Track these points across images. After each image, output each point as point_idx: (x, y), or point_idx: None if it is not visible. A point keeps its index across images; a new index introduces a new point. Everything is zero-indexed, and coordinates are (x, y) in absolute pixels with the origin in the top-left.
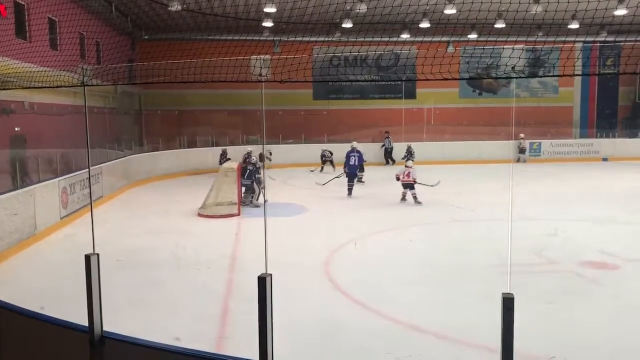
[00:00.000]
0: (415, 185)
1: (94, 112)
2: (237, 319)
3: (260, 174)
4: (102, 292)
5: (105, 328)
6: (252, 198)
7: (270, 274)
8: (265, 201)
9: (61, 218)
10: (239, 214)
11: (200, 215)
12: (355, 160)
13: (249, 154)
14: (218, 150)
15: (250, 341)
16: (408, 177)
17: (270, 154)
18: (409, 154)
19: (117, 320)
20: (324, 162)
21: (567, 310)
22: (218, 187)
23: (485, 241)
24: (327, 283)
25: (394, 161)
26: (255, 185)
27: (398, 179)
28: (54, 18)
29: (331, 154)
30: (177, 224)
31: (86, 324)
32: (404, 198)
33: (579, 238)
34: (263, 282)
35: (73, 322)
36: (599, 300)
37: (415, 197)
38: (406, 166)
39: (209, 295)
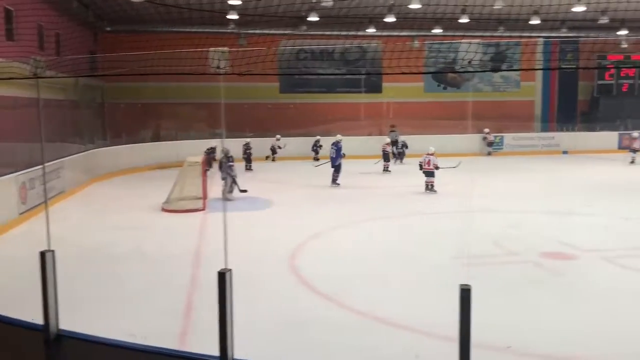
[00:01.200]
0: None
1: (54, 105)
2: (201, 315)
3: (233, 166)
4: (61, 289)
5: (63, 326)
6: (225, 191)
7: (230, 269)
8: (244, 191)
9: (20, 214)
10: (204, 209)
11: (164, 210)
12: (332, 153)
13: (212, 149)
14: (183, 144)
15: (214, 337)
16: (429, 165)
17: (279, 145)
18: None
19: (75, 318)
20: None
21: (526, 300)
22: (182, 181)
23: (447, 233)
24: (292, 277)
25: (402, 156)
26: (228, 179)
27: (421, 167)
28: (10, 8)
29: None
30: (140, 219)
31: (41, 322)
32: (427, 187)
33: (539, 229)
34: (223, 278)
35: (28, 320)
36: (558, 289)
37: (432, 186)
38: (427, 154)
39: (173, 291)
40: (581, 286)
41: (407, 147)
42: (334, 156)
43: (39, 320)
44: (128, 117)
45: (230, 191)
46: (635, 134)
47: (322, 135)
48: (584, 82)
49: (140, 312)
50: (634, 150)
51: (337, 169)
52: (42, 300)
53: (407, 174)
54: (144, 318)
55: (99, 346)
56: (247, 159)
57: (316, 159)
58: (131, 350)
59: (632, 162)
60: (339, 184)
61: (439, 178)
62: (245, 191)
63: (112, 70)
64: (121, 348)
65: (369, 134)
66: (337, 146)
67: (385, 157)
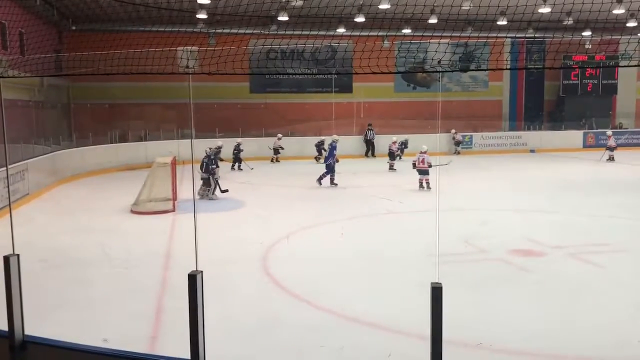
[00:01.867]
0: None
1: (19, 106)
2: (172, 318)
3: (216, 166)
4: (27, 294)
5: (28, 332)
6: (209, 192)
7: (201, 271)
8: (225, 190)
9: None
10: (174, 210)
11: (133, 212)
12: (326, 153)
13: (217, 150)
14: (151, 144)
15: (184, 339)
16: (423, 163)
17: (281, 145)
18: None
19: (41, 324)
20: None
21: (496, 296)
22: (151, 182)
23: (416, 232)
24: (263, 278)
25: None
26: (211, 179)
27: (414, 166)
28: None
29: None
30: (107, 221)
31: (6, 328)
32: (421, 185)
33: (508, 227)
34: (193, 280)
35: None
36: (526, 286)
37: (428, 183)
38: (420, 152)
39: (142, 295)
40: (549, 282)
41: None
42: (327, 156)
43: (3, 326)
44: (95, 117)
45: (213, 192)
46: (609, 132)
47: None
48: (550, 82)
49: (109, 316)
50: (611, 148)
51: (329, 168)
52: (6, 306)
53: (376, 173)
54: (113, 322)
55: (67, 352)
56: (236, 159)
57: (318, 159)
58: (100, 355)
59: (610, 159)
60: (336, 184)
61: (407, 178)
62: (226, 191)
63: (78, 70)
64: (89, 353)
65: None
66: (331, 146)
67: (391, 156)
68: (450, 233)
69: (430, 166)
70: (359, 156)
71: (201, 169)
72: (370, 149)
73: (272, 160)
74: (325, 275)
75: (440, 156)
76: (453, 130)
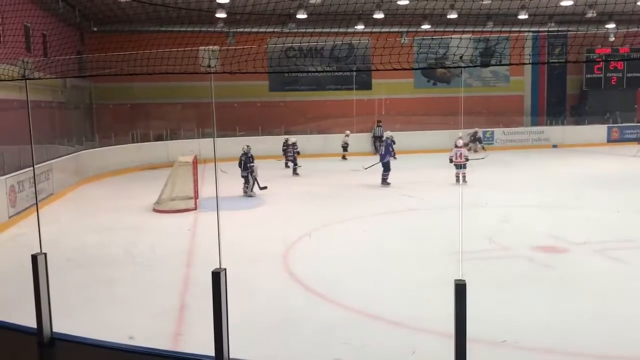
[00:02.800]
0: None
1: (42, 107)
2: (195, 315)
3: (253, 164)
4: (53, 292)
5: (56, 329)
6: (247, 189)
7: (225, 269)
8: (264, 187)
9: (9, 217)
10: (195, 209)
11: (155, 210)
12: (381, 150)
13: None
14: (173, 143)
15: (208, 336)
16: (461, 158)
17: (347, 142)
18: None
19: (68, 321)
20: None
21: (520, 294)
22: (173, 181)
23: (438, 229)
24: (285, 275)
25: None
26: (250, 176)
27: (451, 160)
28: None
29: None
30: (131, 220)
31: (34, 325)
32: (458, 179)
33: (530, 223)
34: (217, 277)
35: (21, 324)
36: (551, 283)
37: (464, 177)
38: (457, 146)
39: (165, 292)
40: (573, 279)
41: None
42: (383, 153)
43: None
44: (117, 117)
45: (252, 189)
46: None
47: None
48: (572, 75)
49: (133, 314)
50: None
51: (386, 166)
52: (35, 304)
53: (396, 169)
54: (138, 319)
55: (93, 348)
56: (293, 159)
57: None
58: (125, 352)
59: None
60: (389, 184)
61: (430, 174)
62: (265, 188)
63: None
64: (115, 350)
65: (361, 131)
66: (386, 143)
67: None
68: (473, 230)
69: (467, 160)
70: (371, 153)
71: (240, 166)
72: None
73: (343, 157)
74: (348, 273)
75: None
76: (475, 129)
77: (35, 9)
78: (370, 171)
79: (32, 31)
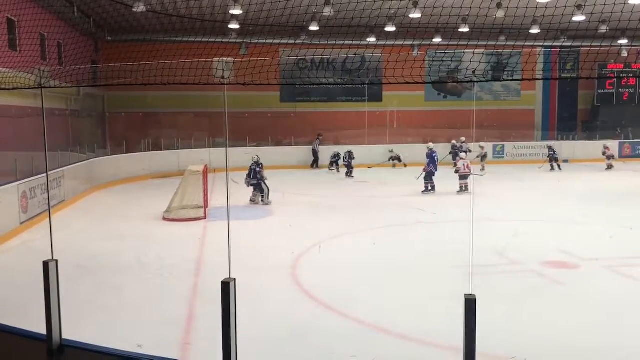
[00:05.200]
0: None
1: (56, 115)
2: (203, 325)
3: (263, 173)
4: (62, 299)
5: (65, 336)
6: (262, 197)
7: (234, 279)
8: (268, 202)
9: (21, 223)
10: (205, 218)
11: (165, 219)
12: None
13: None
14: (184, 152)
15: (216, 346)
16: (468, 169)
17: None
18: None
19: (77, 328)
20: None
21: (529, 309)
22: (183, 190)
23: (448, 243)
24: (294, 286)
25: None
26: (263, 185)
27: (457, 171)
28: (13, 18)
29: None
30: (141, 228)
31: (45, 332)
32: (462, 189)
33: (541, 238)
34: (227, 287)
35: (31, 330)
36: (560, 299)
37: (467, 186)
38: (462, 158)
39: (174, 301)
40: (583, 295)
41: (353, 158)
42: (429, 162)
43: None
44: (129, 126)
45: (268, 196)
46: None
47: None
48: (584, 90)
49: (142, 322)
50: None
51: (429, 176)
52: (45, 310)
53: (406, 184)
54: (147, 328)
55: (102, 356)
56: (349, 165)
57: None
58: None
59: None
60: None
61: (439, 187)
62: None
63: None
64: (124, 358)
65: (372, 143)
66: (433, 153)
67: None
68: (482, 244)
69: (471, 172)
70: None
71: (249, 176)
72: (316, 159)
73: (404, 165)
74: (357, 285)
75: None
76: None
77: (51, 18)
78: (378, 183)
79: (47, 40)
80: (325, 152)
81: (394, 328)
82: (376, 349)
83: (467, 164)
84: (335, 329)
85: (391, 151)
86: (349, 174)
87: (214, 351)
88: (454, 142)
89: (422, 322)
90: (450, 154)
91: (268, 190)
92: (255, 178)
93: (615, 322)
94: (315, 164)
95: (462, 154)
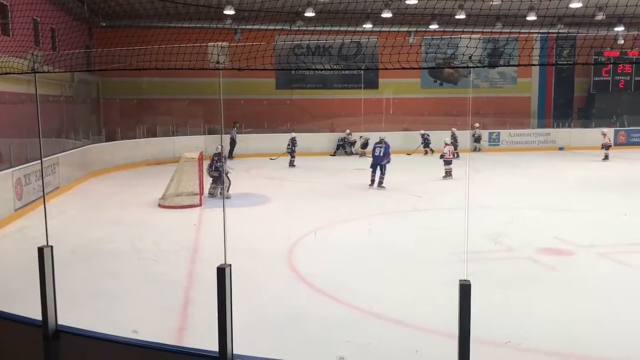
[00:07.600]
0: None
1: (50, 101)
2: (199, 310)
3: (224, 164)
4: (58, 285)
5: (60, 322)
6: (221, 189)
7: (230, 265)
8: (228, 195)
9: (15, 210)
10: (200, 205)
11: (160, 206)
12: (379, 152)
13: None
14: (179, 139)
15: (212, 332)
16: (451, 155)
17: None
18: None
19: (73, 314)
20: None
21: (523, 295)
22: (179, 177)
23: (443, 229)
24: (289, 273)
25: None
26: (225, 177)
27: (442, 156)
28: (5, 3)
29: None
30: (136, 215)
31: (40, 318)
32: (447, 174)
33: (535, 225)
34: (222, 273)
35: (26, 316)
36: (554, 285)
37: (451, 172)
38: (446, 144)
39: (169, 287)
40: (578, 282)
41: (295, 144)
42: (381, 154)
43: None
44: (124, 112)
45: (228, 189)
46: None
47: (319, 131)
48: (580, 78)
49: (138, 308)
50: None
51: (383, 169)
52: (40, 296)
53: (400, 170)
54: (142, 313)
55: (98, 342)
56: (292, 153)
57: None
58: (129, 346)
59: None
60: (384, 187)
61: (434, 174)
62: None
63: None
64: (119, 344)
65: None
66: (384, 144)
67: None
68: (478, 231)
69: (454, 157)
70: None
71: (210, 167)
72: (232, 148)
73: (360, 155)
74: (352, 271)
75: (462, 153)
76: (477, 125)
77: (44, 3)
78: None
79: (40, 25)
80: (322, 138)
81: (389, 314)
82: (371, 334)
83: (451, 150)
84: (331, 315)
85: (424, 134)
86: (291, 163)
87: (209, 336)
88: (422, 131)
89: (417, 307)
90: (422, 143)
91: (230, 183)
92: (217, 170)
93: (610, 308)
94: (230, 153)
95: (447, 139)
